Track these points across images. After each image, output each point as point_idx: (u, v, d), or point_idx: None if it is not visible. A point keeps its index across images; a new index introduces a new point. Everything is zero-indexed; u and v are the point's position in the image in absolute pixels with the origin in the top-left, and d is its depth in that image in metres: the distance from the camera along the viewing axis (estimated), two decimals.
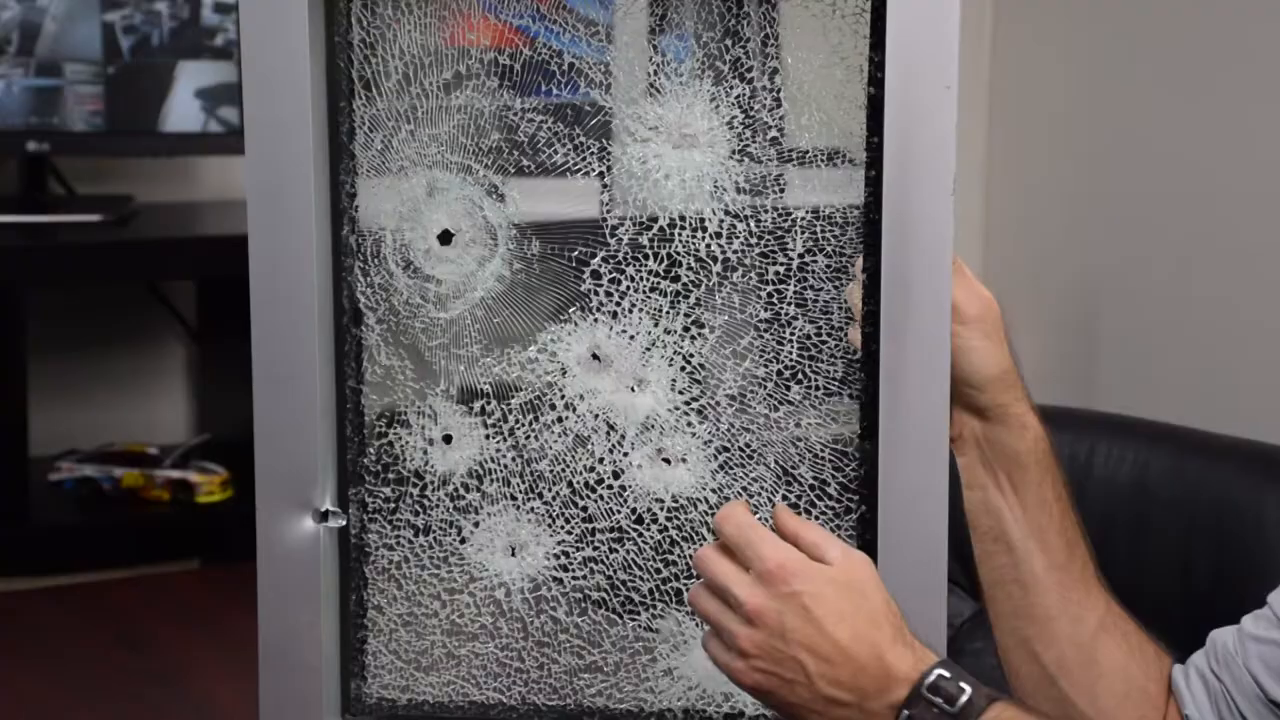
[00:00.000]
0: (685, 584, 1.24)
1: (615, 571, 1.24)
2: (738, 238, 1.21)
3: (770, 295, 1.21)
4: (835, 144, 1.19)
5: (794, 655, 1.10)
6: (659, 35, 1.21)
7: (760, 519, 1.15)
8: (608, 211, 1.22)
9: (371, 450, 1.25)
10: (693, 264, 1.22)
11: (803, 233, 1.21)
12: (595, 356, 1.23)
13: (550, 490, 1.24)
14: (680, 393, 1.23)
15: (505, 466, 1.25)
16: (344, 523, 1.24)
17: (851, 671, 1.09)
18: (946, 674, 1.09)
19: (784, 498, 1.22)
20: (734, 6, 1.19)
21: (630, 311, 1.22)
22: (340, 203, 1.23)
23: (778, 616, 1.10)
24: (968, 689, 1.08)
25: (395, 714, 1.27)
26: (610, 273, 1.22)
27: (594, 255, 1.22)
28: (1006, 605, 1.29)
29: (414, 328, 1.24)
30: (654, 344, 1.22)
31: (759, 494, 1.23)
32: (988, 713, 1.08)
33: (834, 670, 1.09)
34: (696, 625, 1.24)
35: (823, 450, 1.22)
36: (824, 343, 1.22)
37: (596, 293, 1.23)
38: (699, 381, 1.23)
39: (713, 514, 1.22)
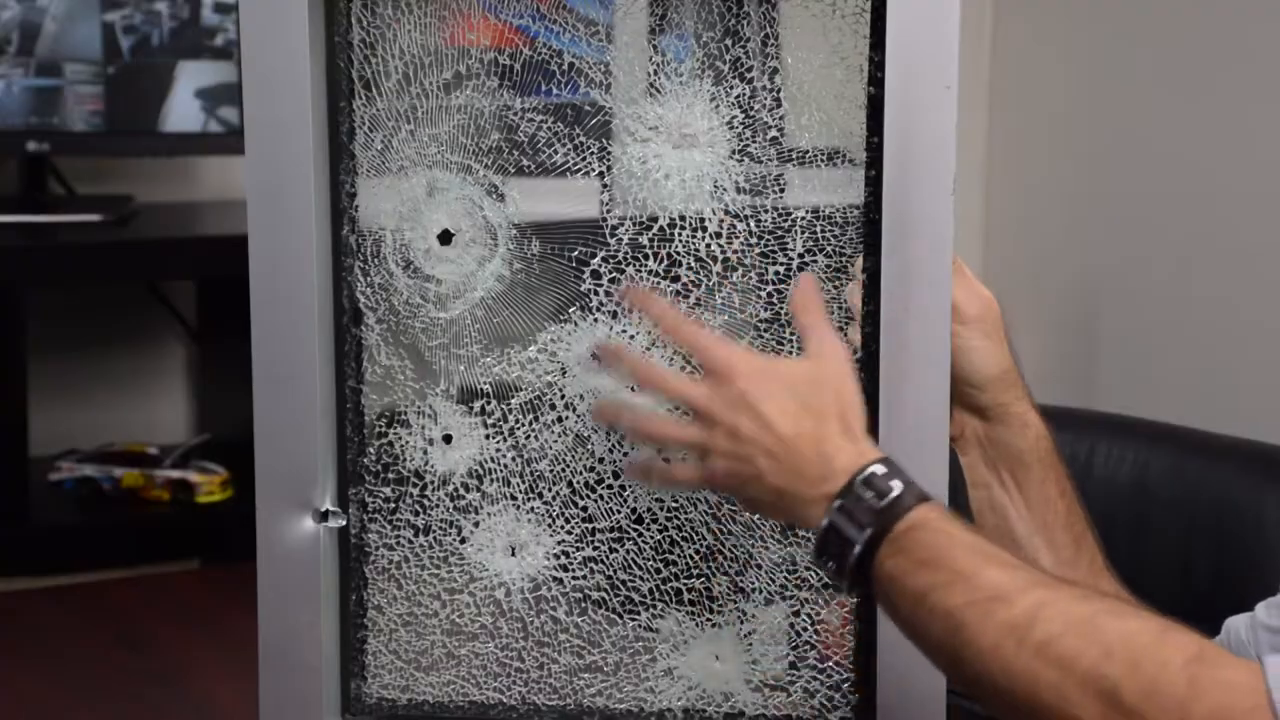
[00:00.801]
0: (685, 584, 1.24)
1: (615, 571, 1.24)
2: (738, 238, 1.21)
3: (770, 295, 1.21)
4: (835, 144, 1.19)
5: (747, 453, 1.11)
6: (659, 35, 1.21)
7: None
8: (608, 211, 1.22)
9: (371, 450, 1.25)
10: (693, 264, 1.22)
11: (803, 233, 1.21)
12: (595, 356, 1.23)
13: (550, 490, 1.24)
14: None
15: (505, 466, 1.25)
16: (344, 523, 1.24)
17: (795, 464, 1.10)
18: (882, 470, 1.09)
19: None
20: (734, 6, 1.19)
21: (630, 311, 1.22)
22: (340, 203, 1.23)
23: (731, 416, 1.12)
24: (898, 485, 1.08)
25: (395, 714, 1.27)
26: (610, 273, 1.22)
27: (594, 255, 1.22)
28: None
29: (414, 328, 1.24)
30: (654, 344, 1.22)
31: None
32: (915, 511, 1.07)
33: (779, 464, 1.11)
34: (696, 625, 1.24)
35: None
36: None
37: (596, 293, 1.22)
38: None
39: (713, 514, 1.22)
